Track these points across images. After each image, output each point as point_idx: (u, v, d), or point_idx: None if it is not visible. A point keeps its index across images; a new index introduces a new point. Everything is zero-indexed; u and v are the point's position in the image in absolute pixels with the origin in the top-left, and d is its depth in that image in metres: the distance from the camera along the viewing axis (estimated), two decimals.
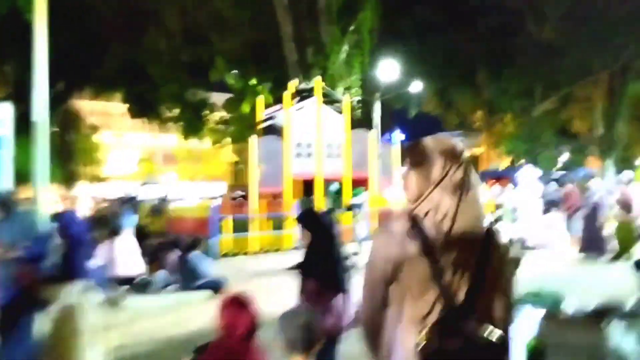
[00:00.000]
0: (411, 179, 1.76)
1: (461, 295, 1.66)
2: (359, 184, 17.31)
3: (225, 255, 13.54)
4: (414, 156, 1.78)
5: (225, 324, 2.81)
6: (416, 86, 25.36)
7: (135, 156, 47.62)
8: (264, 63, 24.43)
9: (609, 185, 15.69)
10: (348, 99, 17.25)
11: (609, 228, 12.26)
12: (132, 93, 26.34)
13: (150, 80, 25.40)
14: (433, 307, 1.65)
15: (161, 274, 8.80)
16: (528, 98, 26.11)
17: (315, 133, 15.79)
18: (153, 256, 9.26)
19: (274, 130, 15.90)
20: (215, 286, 8.55)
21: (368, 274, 1.77)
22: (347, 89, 19.99)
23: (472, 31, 25.83)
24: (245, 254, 13.86)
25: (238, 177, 36.22)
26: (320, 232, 4.28)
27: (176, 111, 28.73)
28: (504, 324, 1.69)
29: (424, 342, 1.59)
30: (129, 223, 11.88)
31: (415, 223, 1.69)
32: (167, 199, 15.92)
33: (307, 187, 16.67)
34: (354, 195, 17.98)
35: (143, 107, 27.13)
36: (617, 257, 11.47)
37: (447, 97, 31.67)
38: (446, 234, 1.66)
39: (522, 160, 37.28)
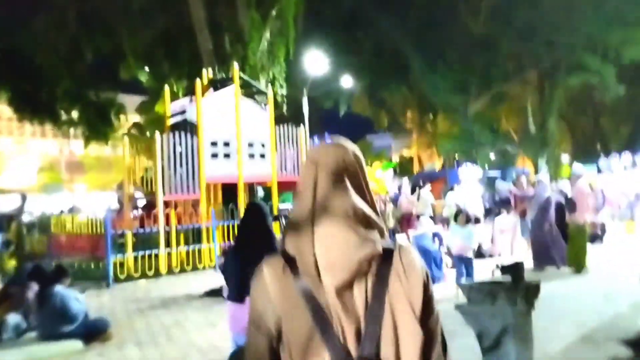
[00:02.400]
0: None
1: (355, 347, 1.31)
2: (287, 188, 15.12)
3: (125, 279, 10.87)
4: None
5: None
6: (346, 81, 23.48)
7: (35, 165, 43.00)
8: (176, 57, 21.75)
9: (561, 182, 14.39)
10: (271, 91, 14.99)
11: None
12: (18, 90, 22.65)
13: (41, 76, 21.97)
14: None
15: (12, 318, 6.15)
16: (463, 94, 25.00)
17: (233, 129, 13.41)
18: (2, 292, 6.59)
19: (184, 127, 13.34)
20: (90, 332, 6.05)
21: (248, 336, 1.42)
22: (271, 81, 17.71)
23: (403, 22, 24.37)
24: (153, 276, 11.25)
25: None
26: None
27: (75, 113, 25.32)
28: None
29: None
30: None
31: (289, 263, 1.37)
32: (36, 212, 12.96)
33: (227, 193, 14.25)
34: (282, 201, 15.78)
35: (33, 108, 23.47)
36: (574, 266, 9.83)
37: (378, 94, 30.14)
38: (325, 271, 1.33)
39: (458, 160, 36.75)
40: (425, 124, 36.82)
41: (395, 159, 44.31)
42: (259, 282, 1.39)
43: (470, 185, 16.32)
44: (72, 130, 28.07)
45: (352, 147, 1.47)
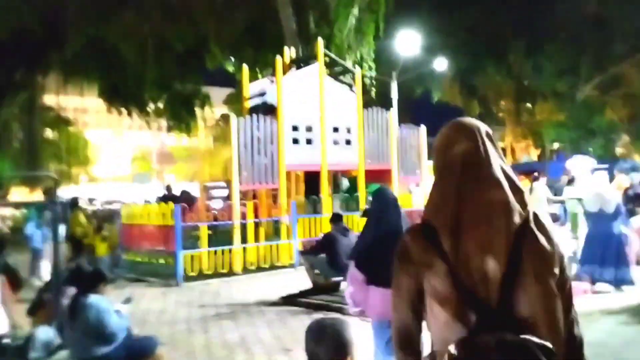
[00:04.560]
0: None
1: (493, 303, 1.40)
2: (374, 179, 13.54)
3: (196, 277, 9.79)
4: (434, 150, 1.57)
5: None
6: (440, 64, 21.40)
7: (127, 155, 44.21)
8: (262, 44, 20.69)
9: None
10: (360, 71, 13.42)
11: None
12: (107, 81, 22.62)
13: (127, 66, 21.71)
14: (460, 320, 1.41)
15: (43, 332, 5.04)
16: (572, 77, 22.20)
17: (317, 112, 12.01)
18: (37, 299, 5.53)
19: (263, 110, 12.10)
20: (133, 355, 4.82)
21: (393, 291, 1.57)
22: (358, 62, 16.13)
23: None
24: (227, 274, 10.10)
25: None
26: None
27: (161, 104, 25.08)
28: (554, 334, 1.40)
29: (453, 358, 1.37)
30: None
31: (430, 230, 1.48)
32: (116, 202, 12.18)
33: (310, 183, 12.91)
34: (370, 193, 14.24)
35: (122, 98, 23.42)
36: None
37: (471, 81, 27.72)
38: (465, 233, 1.43)
39: (559, 152, 33.47)
40: (521, 112, 33.92)
41: None
42: (402, 249, 1.54)
43: (585, 180, 14.07)
44: (159, 122, 28.07)
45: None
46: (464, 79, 27.76)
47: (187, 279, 9.70)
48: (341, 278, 7.72)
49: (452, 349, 1.35)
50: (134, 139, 47.04)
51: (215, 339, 6.10)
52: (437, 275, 1.42)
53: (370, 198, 9.49)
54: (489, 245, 1.40)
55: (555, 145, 35.24)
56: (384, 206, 3.84)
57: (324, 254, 7.87)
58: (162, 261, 10.14)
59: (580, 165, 17.85)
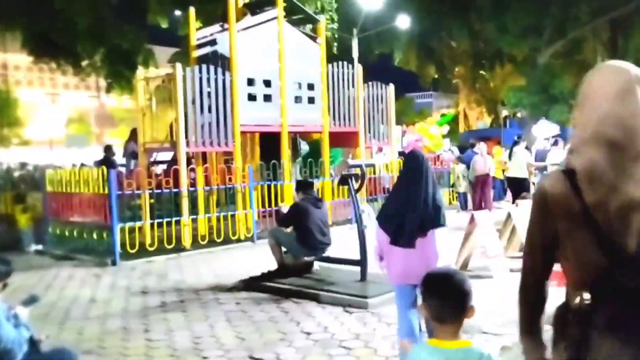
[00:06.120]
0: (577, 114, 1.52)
1: (630, 250, 1.38)
2: (339, 142, 12.30)
3: (137, 254, 8.30)
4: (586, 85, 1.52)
5: None
6: (403, 21, 20.07)
7: (64, 117, 41.17)
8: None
9: None
10: (324, 19, 11.95)
11: None
12: (32, 30, 20.12)
13: (57, 13, 19.30)
14: (595, 265, 1.40)
15: None
16: (533, 40, 21.39)
17: (276, 65, 10.54)
18: None
19: (214, 61, 10.50)
20: None
21: (527, 237, 1.58)
22: (319, 13, 14.61)
23: None
24: (174, 250, 8.66)
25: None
26: None
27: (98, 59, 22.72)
28: None
29: (586, 305, 1.41)
30: None
31: (573, 177, 1.44)
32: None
33: (267, 145, 11.51)
34: (332, 160, 13.01)
35: (50, 50, 20.95)
36: None
37: (430, 44, 26.61)
38: (611, 190, 1.39)
39: (513, 118, 33.10)
40: (477, 78, 33.33)
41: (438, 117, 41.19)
42: (540, 193, 1.50)
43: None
44: (99, 81, 25.73)
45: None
46: (422, 41, 26.60)
47: (126, 256, 8.21)
48: (313, 257, 6.47)
49: (585, 294, 1.41)
50: (71, 99, 43.87)
51: (160, 342, 4.73)
52: (575, 220, 1.42)
53: (349, 162, 8.23)
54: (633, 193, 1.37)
55: (505, 113, 34.99)
56: (416, 167, 3.68)
57: (292, 227, 6.59)
58: (95, 236, 8.57)
59: (545, 130, 17.16)
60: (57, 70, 23.21)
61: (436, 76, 35.44)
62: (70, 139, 32.20)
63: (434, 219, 3.55)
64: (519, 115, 30.14)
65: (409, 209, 3.54)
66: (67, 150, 31.81)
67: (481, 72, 32.26)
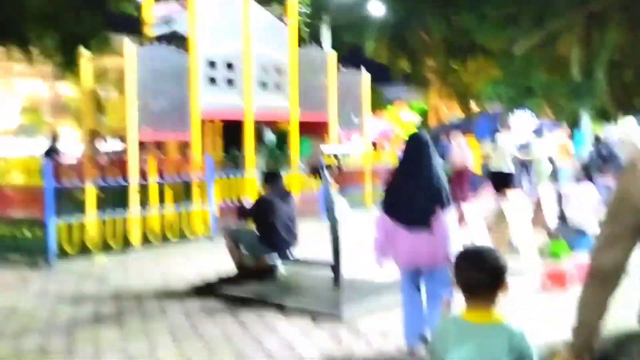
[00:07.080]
0: None
1: None
2: (308, 132, 11.42)
3: (76, 254, 7.27)
4: None
5: None
6: (376, 7, 19.31)
7: (16, 106, 39.17)
8: None
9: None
10: (295, 0, 11.03)
11: None
12: None
13: None
14: None
15: None
16: (513, 30, 20.92)
17: (239, 46, 9.58)
18: None
19: (171, 41, 9.49)
20: None
21: (608, 227, 1.57)
22: None
23: None
24: (121, 249, 7.66)
25: None
26: None
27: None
28: None
29: None
30: None
31: None
32: None
33: (229, 134, 10.57)
34: (302, 150, 12.14)
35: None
36: None
37: (403, 34, 25.95)
38: None
39: (484, 111, 32.82)
40: (450, 71, 32.96)
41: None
42: (631, 171, 1.51)
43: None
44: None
45: None
46: (396, 32, 25.91)
47: (64, 256, 7.17)
48: (277, 259, 5.58)
49: None
50: (25, 87, 41.85)
51: None
52: None
53: (322, 150, 7.36)
54: None
55: (475, 108, 34.74)
56: (420, 148, 3.68)
57: (254, 225, 5.68)
58: (26, 233, 7.47)
59: (519, 122, 16.75)
60: (7, 57, 21.68)
61: (408, 71, 34.94)
62: (19, 128, 30.47)
63: (443, 199, 3.52)
64: (490, 109, 29.91)
65: (418, 190, 3.53)
66: (16, 140, 30.15)
67: (453, 66, 31.86)
